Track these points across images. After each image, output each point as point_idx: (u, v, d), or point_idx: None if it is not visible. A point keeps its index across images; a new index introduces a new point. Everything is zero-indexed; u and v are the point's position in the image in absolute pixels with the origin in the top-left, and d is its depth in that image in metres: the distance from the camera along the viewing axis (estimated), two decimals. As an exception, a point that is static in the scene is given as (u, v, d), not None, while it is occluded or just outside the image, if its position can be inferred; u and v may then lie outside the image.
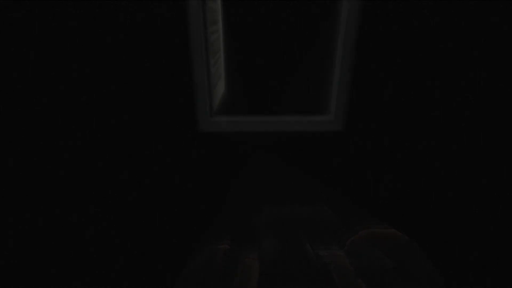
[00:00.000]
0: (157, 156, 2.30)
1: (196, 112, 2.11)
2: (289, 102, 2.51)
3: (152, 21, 1.92)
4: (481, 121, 2.26)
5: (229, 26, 2.24)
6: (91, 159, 2.33)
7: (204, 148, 2.33)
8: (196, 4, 1.87)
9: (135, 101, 2.14)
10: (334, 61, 2.16)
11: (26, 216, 2.35)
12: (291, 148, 2.34)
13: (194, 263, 1.81)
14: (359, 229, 2.14)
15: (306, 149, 2.35)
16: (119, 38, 1.96)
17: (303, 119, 2.20)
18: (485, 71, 2.02)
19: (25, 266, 1.88)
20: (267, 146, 2.22)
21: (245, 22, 2.15)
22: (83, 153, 2.31)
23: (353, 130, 2.26)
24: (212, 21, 2.22)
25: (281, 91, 2.34)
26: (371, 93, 2.17)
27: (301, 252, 1.90)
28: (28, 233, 2.18)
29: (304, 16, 2.21)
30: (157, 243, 2.07)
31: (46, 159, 2.32)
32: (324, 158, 2.38)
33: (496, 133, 2.29)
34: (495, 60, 2.07)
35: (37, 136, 2.26)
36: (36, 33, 1.94)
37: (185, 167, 2.38)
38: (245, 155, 2.22)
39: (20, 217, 2.34)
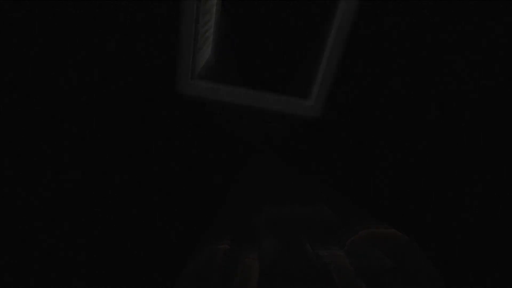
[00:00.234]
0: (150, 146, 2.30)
1: (177, 72, 2.06)
2: (274, 82, 2.52)
3: None
4: (481, 121, 2.26)
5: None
6: (85, 154, 2.33)
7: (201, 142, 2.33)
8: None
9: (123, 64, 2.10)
10: (324, 48, 2.17)
11: (26, 216, 2.35)
12: (291, 148, 2.34)
13: (194, 263, 1.81)
14: (359, 229, 2.14)
15: (306, 149, 2.35)
16: None
17: (284, 99, 2.22)
18: (472, 68, 2.02)
19: (25, 266, 1.88)
20: (266, 146, 2.22)
21: None
22: (75, 148, 2.31)
23: (335, 119, 2.26)
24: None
25: (269, 69, 2.34)
26: (367, 89, 2.17)
27: (301, 252, 1.90)
28: (28, 233, 2.18)
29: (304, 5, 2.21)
30: (157, 243, 2.07)
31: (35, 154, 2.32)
32: (324, 157, 2.38)
33: (496, 133, 2.29)
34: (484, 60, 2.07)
35: (27, 134, 2.26)
36: (36, 33, 1.94)
37: (184, 160, 2.38)
38: (244, 155, 2.21)
39: (19, 217, 2.34)
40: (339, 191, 2.46)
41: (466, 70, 2.10)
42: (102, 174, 2.37)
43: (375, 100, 2.20)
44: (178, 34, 1.89)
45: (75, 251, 2.01)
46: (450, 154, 2.37)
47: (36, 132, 2.21)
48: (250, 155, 2.31)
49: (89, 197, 2.45)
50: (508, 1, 1.91)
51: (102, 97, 2.12)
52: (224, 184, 2.44)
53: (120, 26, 1.94)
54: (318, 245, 1.97)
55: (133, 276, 1.78)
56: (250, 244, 1.97)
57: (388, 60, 2.07)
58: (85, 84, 2.08)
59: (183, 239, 2.09)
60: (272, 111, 2.21)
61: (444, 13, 1.95)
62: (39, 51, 1.81)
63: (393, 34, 2.03)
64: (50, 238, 2.13)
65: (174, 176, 2.40)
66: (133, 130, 2.25)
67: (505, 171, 2.40)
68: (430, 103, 2.19)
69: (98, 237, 2.14)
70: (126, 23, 1.93)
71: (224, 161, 2.38)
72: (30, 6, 1.61)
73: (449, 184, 2.48)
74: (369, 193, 2.49)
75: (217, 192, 2.47)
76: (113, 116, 2.19)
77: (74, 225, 2.26)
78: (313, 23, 2.36)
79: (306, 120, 2.19)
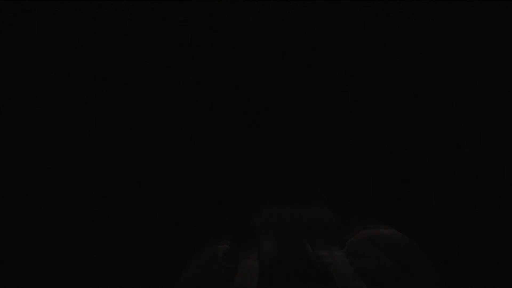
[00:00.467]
0: (157, 150, 2.30)
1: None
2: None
3: None
4: (481, 121, 2.26)
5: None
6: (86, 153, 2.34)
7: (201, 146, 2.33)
8: None
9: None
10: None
11: (26, 216, 2.35)
12: (291, 148, 2.34)
13: (194, 263, 1.81)
14: (359, 229, 2.14)
15: (305, 148, 2.35)
16: None
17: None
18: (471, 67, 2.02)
19: (25, 266, 1.88)
20: (266, 146, 2.22)
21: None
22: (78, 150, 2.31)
23: (335, 118, 2.27)
24: None
25: None
26: (369, 90, 2.17)
27: (301, 252, 1.90)
28: (28, 233, 2.18)
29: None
30: (157, 243, 2.07)
31: (35, 155, 2.32)
32: (324, 158, 2.38)
33: (496, 133, 2.29)
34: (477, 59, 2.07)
35: (27, 134, 2.26)
36: (36, 33, 1.94)
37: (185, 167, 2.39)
38: (244, 155, 2.21)
39: (20, 217, 2.34)
40: (339, 191, 2.46)
41: (466, 70, 2.10)
42: (102, 174, 2.37)
43: (375, 100, 2.20)
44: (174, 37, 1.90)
45: (75, 251, 2.01)
46: (450, 154, 2.37)
47: (36, 132, 2.21)
48: (250, 155, 2.31)
49: (89, 197, 2.45)
50: (508, 1, 1.91)
51: (102, 97, 2.12)
52: (224, 184, 2.44)
53: (120, 26, 1.95)
54: (318, 245, 1.97)
55: (133, 276, 1.78)
56: (250, 244, 1.97)
57: (389, 60, 2.07)
58: (85, 84, 2.09)
59: (183, 239, 2.10)
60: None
61: (444, 13, 1.95)
62: (40, 51, 1.81)
63: (393, 34, 2.03)
64: (50, 238, 2.13)
65: (174, 176, 2.40)
66: (133, 130, 2.24)
67: (505, 171, 2.40)
68: (430, 104, 2.19)
69: (98, 237, 2.14)
70: (126, 23, 1.94)
71: (224, 161, 2.38)
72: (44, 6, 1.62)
73: (449, 184, 2.48)
74: (369, 193, 2.49)
75: (217, 192, 2.47)
76: (113, 116, 2.19)
77: (74, 225, 2.26)
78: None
79: (306, 120, 2.20)
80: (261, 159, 2.43)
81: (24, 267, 1.87)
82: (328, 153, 2.40)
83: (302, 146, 2.44)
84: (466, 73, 2.10)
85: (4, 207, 2.38)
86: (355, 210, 2.40)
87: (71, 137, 2.24)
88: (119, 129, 2.26)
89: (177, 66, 2.12)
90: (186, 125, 2.25)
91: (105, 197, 2.47)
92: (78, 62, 2.03)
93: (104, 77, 2.10)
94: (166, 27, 1.96)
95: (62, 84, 2.08)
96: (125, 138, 2.28)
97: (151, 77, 2.11)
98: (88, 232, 2.20)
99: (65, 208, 2.43)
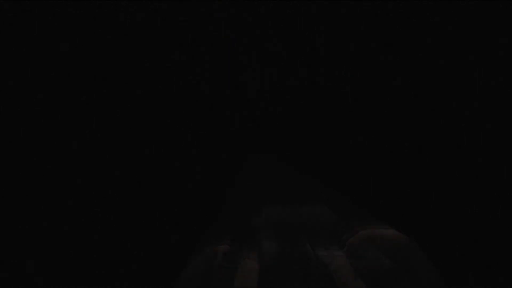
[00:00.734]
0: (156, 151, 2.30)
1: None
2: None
3: None
4: (481, 121, 2.26)
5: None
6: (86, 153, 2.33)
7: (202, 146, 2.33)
8: None
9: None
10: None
11: (26, 216, 2.35)
12: (290, 148, 2.34)
13: (194, 263, 1.81)
14: (359, 229, 2.14)
15: (305, 148, 2.35)
16: None
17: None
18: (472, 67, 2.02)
19: (25, 266, 1.88)
20: (266, 146, 2.22)
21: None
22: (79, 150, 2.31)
23: (335, 118, 2.26)
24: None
25: None
26: (370, 89, 2.17)
27: (301, 252, 1.90)
28: (28, 234, 2.18)
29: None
30: (157, 243, 2.07)
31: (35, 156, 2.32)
32: (323, 158, 2.38)
33: (496, 133, 2.29)
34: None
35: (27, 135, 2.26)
36: (36, 33, 1.94)
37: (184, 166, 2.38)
38: (244, 155, 2.21)
39: (20, 217, 2.34)
40: (339, 191, 2.46)
41: (466, 70, 2.10)
42: (102, 174, 2.37)
43: (375, 100, 2.20)
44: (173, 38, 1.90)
45: (75, 251, 2.01)
46: (450, 153, 2.37)
47: (36, 132, 2.21)
48: (250, 155, 2.31)
49: (89, 197, 2.45)
50: (508, 1, 1.91)
51: (102, 97, 2.12)
52: (224, 185, 2.44)
53: (120, 27, 1.94)
54: (318, 245, 1.97)
55: (133, 276, 1.78)
56: (250, 244, 1.97)
57: (389, 60, 2.07)
58: (85, 84, 2.09)
59: (183, 239, 2.10)
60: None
61: (444, 13, 1.95)
62: (40, 51, 1.81)
63: (392, 34, 2.03)
64: (50, 238, 2.13)
65: (174, 176, 2.40)
66: (133, 130, 2.25)
67: (505, 171, 2.40)
68: (430, 104, 2.19)
69: (98, 237, 2.14)
70: (126, 23, 1.93)
71: (224, 161, 2.38)
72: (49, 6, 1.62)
73: (449, 184, 2.48)
74: (369, 193, 2.49)
75: (217, 192, 2.47)
76: (113, 116, 2.19)
77: (74, 225, 2.26)
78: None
79: (306, 120, 2.20)
80: (261, 159, 2.43)
81: (24, 267, 1.87)
82: (328, 153, 2.40)
83: (302, 146, 2.44)
84: (466, 73, 2.10)
85: (4, 207, 2.38)
86: (355, 210, 2.40)
87: (71, 137, 2.24)
88: (119, 129, 2.26)
89: (177, 66, 2.12)
90: (186, 125, 2.25)
91: (105, 197, 2.47)
92: (78, 62, 2.03)
93: (104, 77, 2.10)
94: (166, 27, 1.96)
95: (62, 84, 2.08)
96: (125, 138, 2.29)
97: (151, 77, 2.11)
98: (88, 232, 2.20)
99: (65, 208, 2.43)
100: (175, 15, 2.01)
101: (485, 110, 2.21)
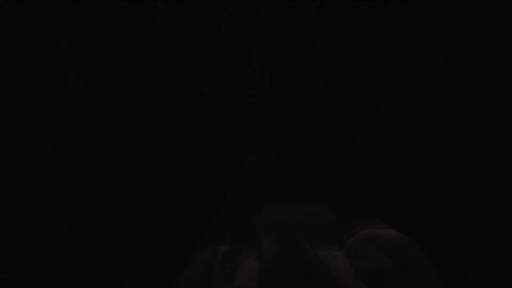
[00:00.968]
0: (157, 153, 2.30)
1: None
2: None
3: None
4: (481, 121, 2.26)
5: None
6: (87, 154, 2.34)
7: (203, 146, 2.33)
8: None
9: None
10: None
11: (26, 216, 2.35)
12: (290, 148, 2.34)
13: (194, 263, 1.81)
14: (359, 229, 2.14)
15: (305, 148, 2.35)
16: None
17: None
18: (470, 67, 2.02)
19: (25, 266, 1.88)
20: (266, 146, 2.22)
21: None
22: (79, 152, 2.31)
23: (335, 119, 2.26)
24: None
25: None
26: (370, 92, 2.17)
27: (301, 252, 1.90)
28: (28, 233, 2.18)
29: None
30: (157, 243, 2.07)
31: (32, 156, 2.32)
32: (323, 158, 2.38)
33: (496, 133, 2.29)
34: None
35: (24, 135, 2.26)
36: (36, 33, 1.94)
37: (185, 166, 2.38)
38: (244, 155, 2.21)
39: (20, 217, 2.34)
40: (339, 191, 2.46)
41: (466, 70, 2.10)
42: (102, 174, 2.37)
43: (375, 100, 2.20)
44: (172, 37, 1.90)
45: (75, 251, 2.01)
46: (450, 154, 2.37)
47: (36, 132, 2.21)
48: (250, 155, 2.31)
49: (89, 197, 2.45)
50: (508, 1, 1.91)
51: (102, 97, 2.12)
52: (224, 184, 2.44)
53: (121, 27, 1.94)
54: (318, 245, 1.97)
55: (133, 276, 1.78)
56: (250, 244, 1.97)
57: (389, 60, 2.07)
58: (85, 84, 2.09)
59: (183, 239, 2.10)
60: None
61: (444, 13, 1.95)
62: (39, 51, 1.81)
63: (392, 35, 2.03)
64: (50, 238, 2.13)
65: (174, 176, 2.40)
66: (133, 130, 2.24)
67: (505, 171, 2.40)
68: (430, 104, 2.19)
69: (98, 237, 2.14)
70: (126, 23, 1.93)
71: (224, 161, 2.38)
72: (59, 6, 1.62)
73: (449, 184, 2.47)
74: (369, 193, 2.49)
75: (217, 192, 2.47)
76: (113, 116, 2.19)
77: (74, 225, 2.26)
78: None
79: (306, 120, 2.20)
80: (261, 159, 2.43)
81: (24, 267, 1.86)
82: (328, 153, 2.40)
83: (302, 146, 2.44)
84: (466, 73, 2.10)
85: (4, 207, 2.38)
86: (355, 210, 2.40)
87: (71, 137, 2.24)
88: (119, 129, 2.26)
89: (177, 66, 2.12)
90: (186, 125, 2.25)
91: (105, 197, 2.47)
92: (78, 62, 2.03)
93: (104, 77, 2.10)
94: (166, 27, 1.96)
95: (62, 84, 2.08)
96: (125, 138, 2.28)
97: (151, 77, 2.11)
98: (88, 232, 2.20)
99: (65, 208, 2.42)
100: (175, 15, 2.01)
101: (485, 110, 2.21)
